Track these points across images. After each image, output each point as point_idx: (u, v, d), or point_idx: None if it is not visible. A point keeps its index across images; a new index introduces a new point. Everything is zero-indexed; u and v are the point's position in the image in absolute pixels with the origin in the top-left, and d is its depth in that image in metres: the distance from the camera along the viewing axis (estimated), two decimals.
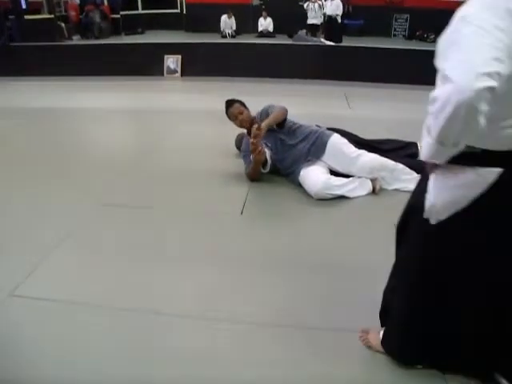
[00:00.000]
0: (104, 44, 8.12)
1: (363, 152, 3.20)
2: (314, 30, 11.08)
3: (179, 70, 7.07)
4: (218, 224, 2.71)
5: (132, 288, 2.09)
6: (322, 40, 9.63)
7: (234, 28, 12.11)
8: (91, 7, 11.60)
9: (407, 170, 3.20)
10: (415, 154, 3.58)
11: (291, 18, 11.61)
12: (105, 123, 5.05)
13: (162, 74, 7.09)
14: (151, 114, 5.28)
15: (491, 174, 1.22)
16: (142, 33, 12.17)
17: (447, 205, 1.31)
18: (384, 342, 1.66)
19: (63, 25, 10.76)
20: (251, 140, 2.96)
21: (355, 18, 12.63)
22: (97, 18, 11.40)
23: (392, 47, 7.60)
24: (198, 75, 7.02)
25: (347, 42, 9.74)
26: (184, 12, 13.24)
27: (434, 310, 1.45)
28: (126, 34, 11.78)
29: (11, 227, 2.64)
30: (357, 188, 3.06)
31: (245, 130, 3.48)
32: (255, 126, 3.00)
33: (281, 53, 7.24)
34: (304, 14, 11.20)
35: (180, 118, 5.07)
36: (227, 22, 11.96)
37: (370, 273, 2.10)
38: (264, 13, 12.03)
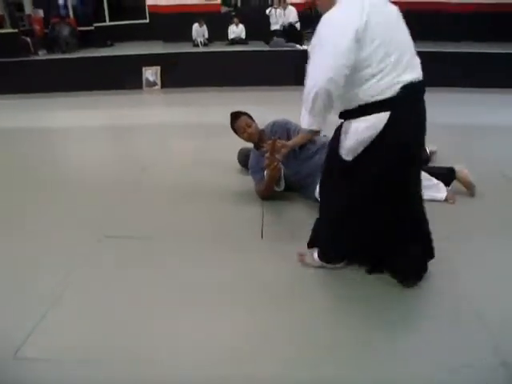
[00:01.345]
0: (77, 58, 7.73)
1: None
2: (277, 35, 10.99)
3: (159, 81, 6.79)
4: (237, 252, 2.47)
5: (152, 339, 1.83)
6: (298, 46, 9.50)
7: (207, 36, 11.82)
8: (57, 20, 11.09)
9: (427, 175, 3.04)
10: (426, 160, 3.45)
11: (263, 24, 11.45)
12: (86, 143, 4.73)
13: (141, 87, 6.78)
14: (135, 130, 5.01)
15: (383, 116, 1.78)
16: (111, 45, 11.73)
17: (358, 145, 1.86)
18: (318, 255, 2.22)
19: (29, 39, 10.23)
20: (267, 155, 2.73)
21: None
22: (64, 31, 10.90)
23: None
24: (179, 86, 6.77)
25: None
26: (152, 22, 12.91)
27: (350, 224, 2.04)
28: (95, 47, 11.33)
29: (5, 275, 2.29)
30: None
31: (249, 144, 3.30)
32: (273, 141, 2.74)
33: (264, 60, 7.07)
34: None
35: (167, 133, 4.83)
36: (199, 31, 11.66)
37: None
38: (235, 20, 11.80)
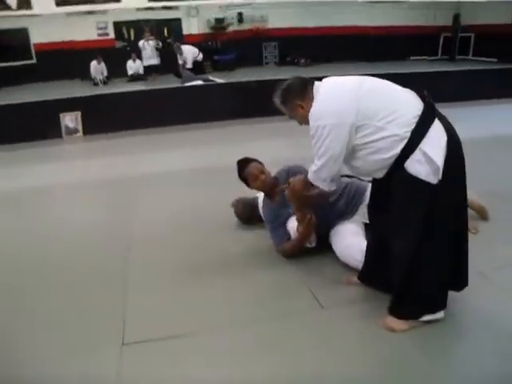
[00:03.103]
0: None
1: None
2: (151, 71, 11.01)
3: (80, 128, 6.01)
4: (303, 331, 2.08)
5: None
6: (211, 78, 9.29)
7: (106, 74, 11.09)
8: None
9: None
10: None
11: (166, 57, 11.09)
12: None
13: (61, 136, 5.95)
14: (51, 192, 4.20)
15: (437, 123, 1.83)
16: None
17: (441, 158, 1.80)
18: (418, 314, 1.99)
19: None
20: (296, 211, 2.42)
21: (226, 53, 12.64)
22: None
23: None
24: (103, 132, 6.07)
25: (225, 77, 9.51)
26: (40, 62, 11.75)
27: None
28: None
29: None
30: None
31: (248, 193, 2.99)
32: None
33: (186, 97, 6.72)
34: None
35: (111, 190, 4.14)
36: (97, 68, 10.89)
37: None
38: (133, 55, 11.26)
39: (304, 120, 2.03)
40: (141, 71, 11.40)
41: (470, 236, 2.54)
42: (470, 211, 2.99)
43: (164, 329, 2.11)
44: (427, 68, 9.24)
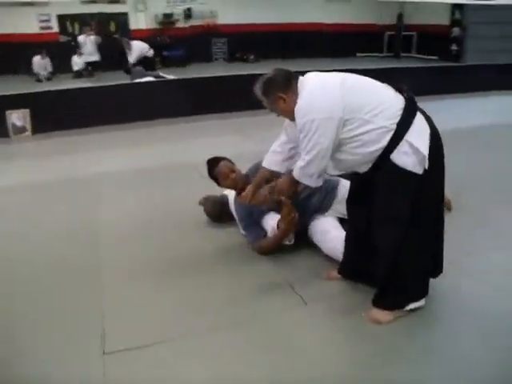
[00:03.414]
0: None
1: None
2: (93, 67, 10.68)
3: (29, 127, 5.67)
4: (290, 328, 2.07)
5: None
6: (162, 74, 9.08)
7: (50, 69, 10.55)
8: None
9: None
10: None
11: (111, 53, 10.71)
12: None
13: (8, 135, 5.58)
14: (20, 192, 3.92)
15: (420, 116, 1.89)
16: None
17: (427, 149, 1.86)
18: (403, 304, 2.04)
19: None
20: (285, 208, 2.41)
21: (175, 49, 12.41)
22: None
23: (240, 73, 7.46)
24: (53, 130, 5.78)
25: (174, 73, 9.33)
26: None
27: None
28: None
29: None
30: None
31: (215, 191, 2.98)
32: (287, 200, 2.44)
33: (136, 93, 6.55)
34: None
35: (68, 191, 3.92)
36: (41, 64, 10.32)
37: None
38: (78, 50, 10.79)
39: (284, 113, 2.03)
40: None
41: None
42: None
43: (145, 335, 2.02)
44: (376, 64, 9.52)
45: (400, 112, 1.85)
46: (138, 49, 9.92)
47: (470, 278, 2.40)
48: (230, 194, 3.11)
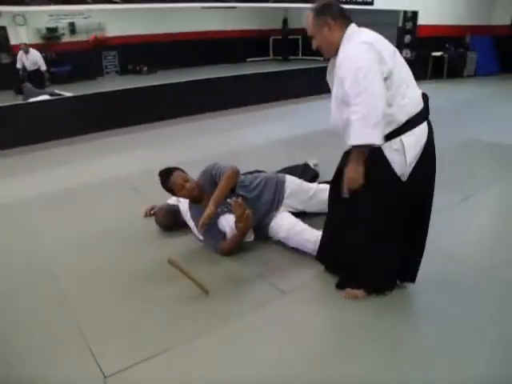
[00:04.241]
0: None
1: (317, 185, 3.16)
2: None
3: None
4: (275, 318, 2.19)
5: None
6: (57, 91, 8.57)
7: None
8: None
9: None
10: (316, 175, 3.74)
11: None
12: None
13: None
14: None
15: (424, 126, 1.95)
16: None
17: (414, 159, 1.94)
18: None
19: None
20: (237, 208, 2.53)
21: (62, 65, 11.73)
22: None
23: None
24: None
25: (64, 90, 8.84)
26: None
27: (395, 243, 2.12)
28: None
29: None
30: None
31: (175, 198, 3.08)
32: (236, 199, 2.57)
33: (32, 114, 6.18)
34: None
35: None
36: None
37: None
38: None
39: (323, 42, 2.00)
40: None
41: None
42: None
43: (136, 351, 1.98)
44: (266, 68, 9.74)
45: (414, 113, 1.92)
46: (38, 57, 9.29)
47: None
48: (181, 202, 3.13)
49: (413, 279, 2.26)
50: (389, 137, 1.91)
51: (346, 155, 2.03)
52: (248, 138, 5.77)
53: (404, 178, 1.97)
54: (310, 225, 2.74)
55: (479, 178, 3.91)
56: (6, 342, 2.12)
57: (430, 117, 2.03)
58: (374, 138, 1.80)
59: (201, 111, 7.44)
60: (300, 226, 2.71)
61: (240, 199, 2.55)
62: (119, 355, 1.96)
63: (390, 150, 1.92)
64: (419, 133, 1.95)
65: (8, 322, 2.26)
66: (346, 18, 1.98)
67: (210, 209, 2.56)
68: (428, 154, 1.99)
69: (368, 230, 2.09)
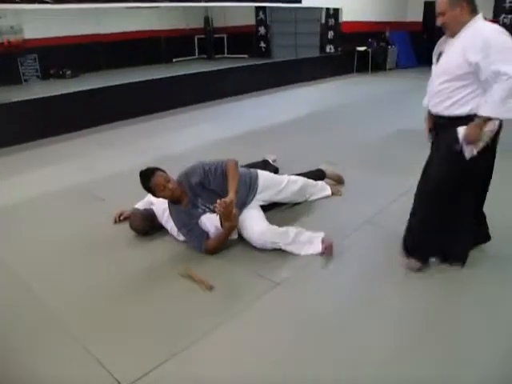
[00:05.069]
0: None
1: (288, 176, 3.26)
2: None
3: None
4: (275, 309, 2.27)
5: None
6: None
7: None
8: None
9: (311, 181, 3.46)
10: (276, 170, 3.87)
11: None
12: None
13: None
14: None
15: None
16: None
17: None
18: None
19: None
20: (219, 208, 2.55)
21: None
22: None
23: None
24: None
25: None
26: None
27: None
28: None
29: None
30: (306, 245, 2.75)
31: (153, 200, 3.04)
32: (226, 200, 2.57)
33: None
34: None
35: None
36: None
37: None
38: None
39: (451, 20, 2.14)
40: None
41: (341, 197, 3.40)
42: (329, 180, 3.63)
43: (147, 358, 1.95)
44: (193, 68, 9.54)
45: None
46: None
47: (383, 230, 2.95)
48: (154, 204, 3.09)
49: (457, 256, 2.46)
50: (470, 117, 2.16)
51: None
52: (188, 140, 5.72)
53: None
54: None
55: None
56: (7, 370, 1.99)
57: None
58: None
59: (135, 115, 7.21)
60: (262, 224, 2.78)
61: (228, 199, 2.57)
62: (131, 364, 1.93)
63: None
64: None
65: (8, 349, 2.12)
66: (475, 7, 2.15)
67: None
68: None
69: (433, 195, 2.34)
